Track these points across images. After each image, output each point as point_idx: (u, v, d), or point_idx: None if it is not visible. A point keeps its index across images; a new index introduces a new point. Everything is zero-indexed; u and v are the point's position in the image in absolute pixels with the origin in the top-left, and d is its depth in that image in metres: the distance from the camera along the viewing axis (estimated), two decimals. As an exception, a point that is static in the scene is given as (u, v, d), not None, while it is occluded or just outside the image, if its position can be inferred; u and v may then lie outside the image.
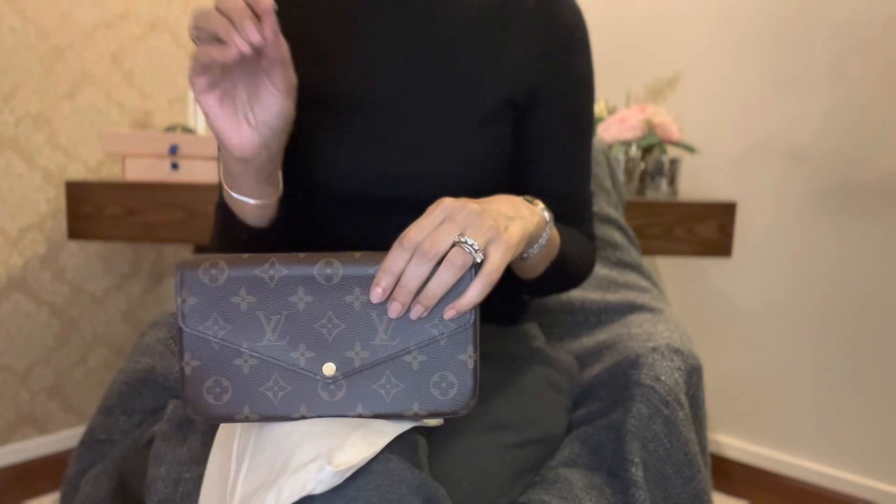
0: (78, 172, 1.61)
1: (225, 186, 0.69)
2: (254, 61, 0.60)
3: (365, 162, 0.78)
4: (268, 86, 0.61)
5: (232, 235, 0.74)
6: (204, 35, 0.56)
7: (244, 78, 0.61)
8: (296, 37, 0.80)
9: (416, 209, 0.61)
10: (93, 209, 1.28)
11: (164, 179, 1.31)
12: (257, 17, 0.56)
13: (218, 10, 0.55)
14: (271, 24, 0.56)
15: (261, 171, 0.66)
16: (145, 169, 1.32)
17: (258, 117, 0.62)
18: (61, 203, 1.58)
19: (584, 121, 0.83)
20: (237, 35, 0.54)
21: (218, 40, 0.56)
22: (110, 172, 1.66)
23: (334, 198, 0.80)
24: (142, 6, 1.67)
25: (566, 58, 0.80)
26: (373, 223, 0.79)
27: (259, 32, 0.55)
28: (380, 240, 0.64)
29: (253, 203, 0.68)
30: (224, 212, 0.73)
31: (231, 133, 0.62)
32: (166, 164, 1.32)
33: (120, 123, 1.67)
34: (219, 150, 0.69)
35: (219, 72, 0.59)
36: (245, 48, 0.55)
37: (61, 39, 1.54)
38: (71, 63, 1.56)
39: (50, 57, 1.53)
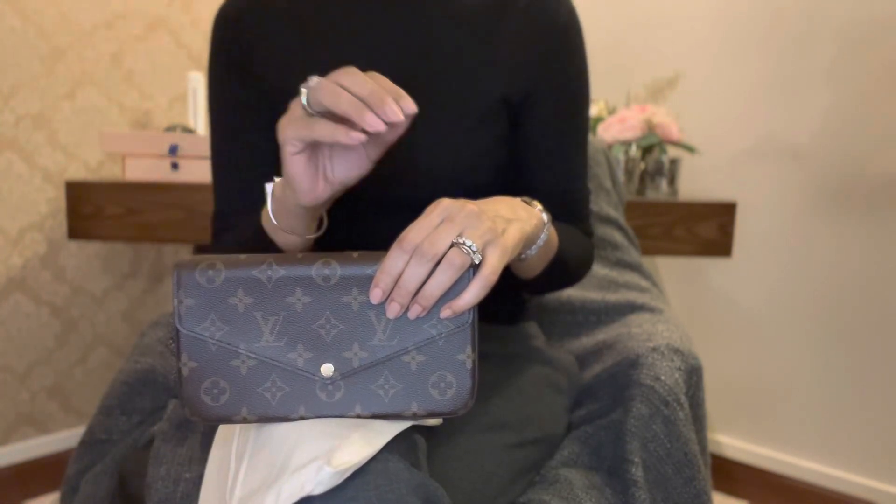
0: (78, 172, 1.61)
1: (273, 220, 0.67)
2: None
3: None
4: (360, 152, 0.60)
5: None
6: (319, 108, 0.55)
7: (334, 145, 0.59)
8: (289, 41, 0.80)
9: (412, 210, 0.61)
10: (93, 209, 1.28)
11: (164, 179, 1.31)
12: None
13: (346, 89, 0.54)
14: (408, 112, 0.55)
15: (316, 212, 0.65)
16: (145, 169, 1.32)
17: (337, 175, 0.60)
18: (61, 203, 1.58)
19: (579, 118, 0.83)
20: (370, 115, 0.52)
21: (337, 117, 0.54)
22: (110, 172, 1.66)
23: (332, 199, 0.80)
24: (142, 6, 1.67)
25: (561, 56, 0.80)
26: (369, 224, 0.79)
27: (397, 113, 0.53)
28: (376, 240, 0.64)
29: (298, 239, 0.67)
30: (258, 238, 0.71)
31: (308, 187, 0.60)
32: (166, 164, 1.32)
33: (120, 123, 1.67)
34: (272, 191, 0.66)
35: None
36: (381, 127, 0.53)
37: (61, 39, 1.54)
38: (71, 63, 1.56)
39: (50, 57, 1.53)
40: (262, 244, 0.71)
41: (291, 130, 0.57)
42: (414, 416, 0.57)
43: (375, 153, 0.60)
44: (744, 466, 1.70)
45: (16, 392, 1.57)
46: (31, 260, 1.56)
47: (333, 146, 0.59)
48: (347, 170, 0.60)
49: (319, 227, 0.69)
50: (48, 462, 1.61)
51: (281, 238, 0.68)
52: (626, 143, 1.48)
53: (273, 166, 0.82)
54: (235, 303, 0.55)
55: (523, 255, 0.66)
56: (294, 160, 0.58)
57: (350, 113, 0.53)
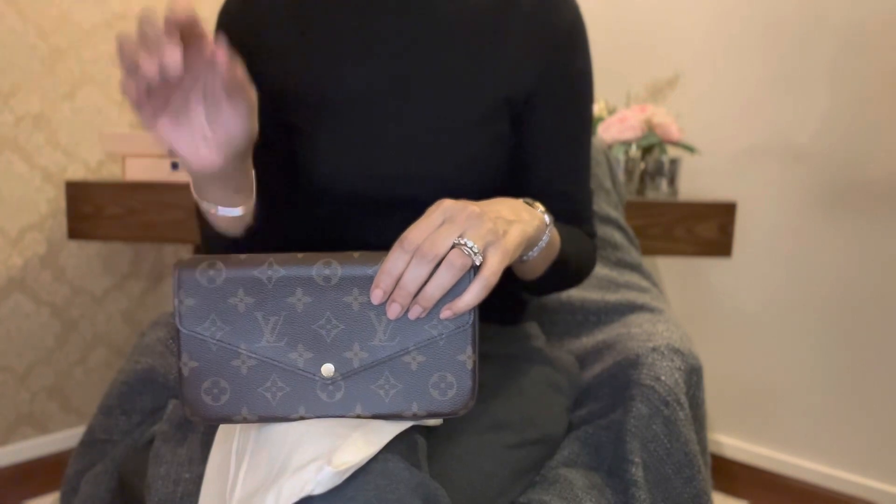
0: (78, 172, 1.61)
1: (194, 194, 0.66)
2: (210, 80, 0.56)
3: (361, 162, 0.78)
4: (227, 106, 0.58)
5: (210, 245, 0.74)
6: (125, 64, 0.51)
7: (201, 96, 0.58)
8: (291, 37, 0.81)
9: (413, 209, 0.61)
10: (93, 209, 1.28)
11: (164, 179, 1.31)
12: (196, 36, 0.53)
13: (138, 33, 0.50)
14: (218, 48, 0.53)
15: (227, 183, 0.64)
16: (145, 169, 1.32)
17: (218, 136, 0.59)
18: (61, 203, 1.58)
19: (583, 120, 0.83)
20: (146, 60, 0.49)
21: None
22: (110, 172, 1.66)
23: (331, 198, 0.80)
24: (142, 6, 1.67)
25: (565, 57, 0.80)
26: (370, 223, 0.79)
27: (173, 57, 0.50)
28: (377, 239, 0.64)
29: (222, 213, 0.66)
30: (199, 220, 0.72)
31: (188, 151, 0.58)
32: (166, 164, 1.32)
33: (120, 123, 1.67)
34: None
35: (160, 100, 0.55)
36: (151, 72, 0.49)
37: (61, 39, 1.54)
38: (71, 63, 1.56)
39: (50, 57, 1.53)
40: (204, 232, 0.71)
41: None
42: (414, 417, 0.57)
43: (240, 104, 0.57)
44: (744, 466, 1.70)
45: (16, 392, 1.56)
46: (31, 260, 1.56)
47: (208, 109, 0.58)
48: (225, 128, 0.58)
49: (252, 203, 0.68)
50: (48, 462, 1.61)
51: (211, 217, 0.68)
52: (626, 143, 1.48)
53: (271, 162, 0.82)
54: (236, 303, 0.55)
55: (525, 257, 0.66)
56: (155, 127, 0.56)
57: (128, 62, 0.50)
